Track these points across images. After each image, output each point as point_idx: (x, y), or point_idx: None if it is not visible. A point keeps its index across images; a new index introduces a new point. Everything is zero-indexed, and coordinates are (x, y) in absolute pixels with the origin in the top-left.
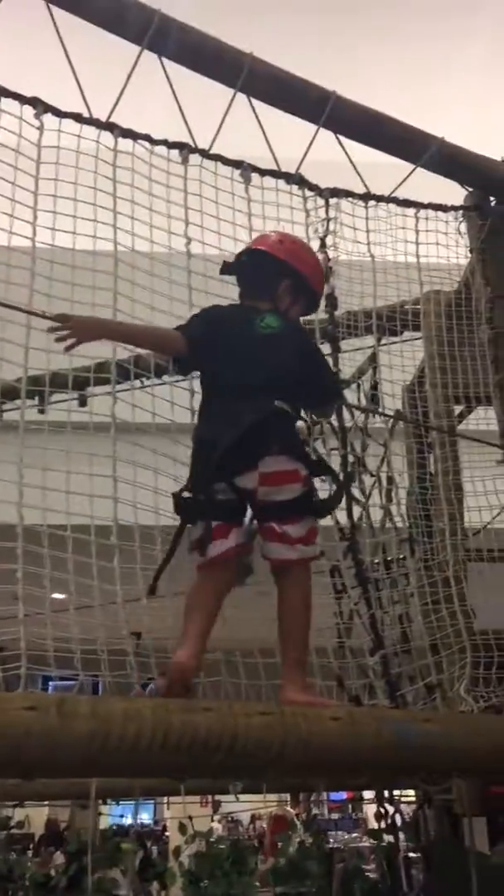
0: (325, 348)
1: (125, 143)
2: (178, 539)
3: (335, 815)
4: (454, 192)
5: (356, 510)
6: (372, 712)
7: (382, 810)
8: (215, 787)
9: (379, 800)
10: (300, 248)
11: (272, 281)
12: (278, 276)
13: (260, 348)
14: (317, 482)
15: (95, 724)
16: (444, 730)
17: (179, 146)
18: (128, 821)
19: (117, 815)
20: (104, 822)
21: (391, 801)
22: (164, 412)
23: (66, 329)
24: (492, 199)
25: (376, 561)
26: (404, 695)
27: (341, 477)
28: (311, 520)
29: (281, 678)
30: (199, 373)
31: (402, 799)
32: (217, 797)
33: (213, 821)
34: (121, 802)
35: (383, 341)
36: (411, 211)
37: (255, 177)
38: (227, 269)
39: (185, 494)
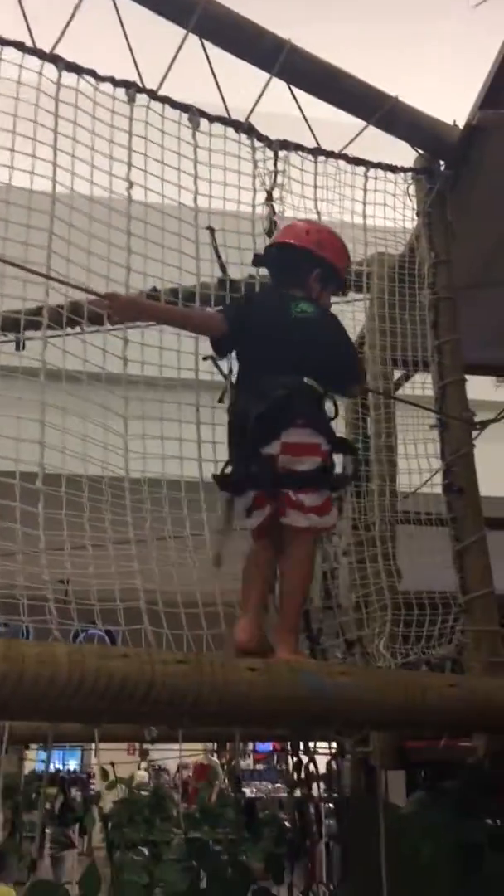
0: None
1: (69, 78)
2: (230, 510)
3: (260, 766)
4: (406, 160)
5: None
6: (288, 664)
7: (297, 761)
8: (140, 735)
9: (294, 751)
10: (326, 235)
11: (302, 271)
12: (308, 266)
13: (293, 329)
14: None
15: (7, 667)
16: (359, 683)
17: (126, 84)
18: (54, 767)
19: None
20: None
21: (306, 752)
22: (96, 361)
23: (110, 307)
24: (441, 163)
25: None
26: (324, 649)
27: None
28: (327, 492)
29: (275, 638)
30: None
31: (322, 751)
32: (144, 745)
33: (139, 769)
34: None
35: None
36: (361, 170)
37: (203, 123)
38: (258, 261)
39: (227, 470)
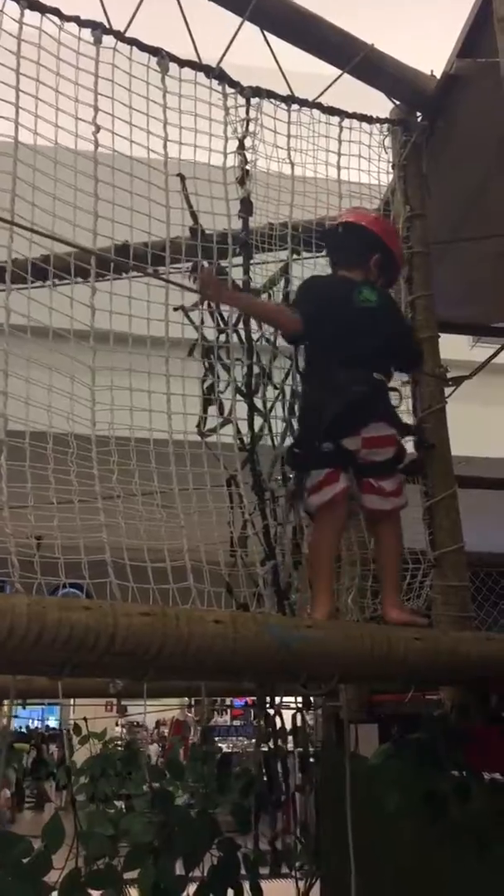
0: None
1: (32, 17)
2: (300, 485)
3: (238, 722)
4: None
5: (258, 421)
6: (254, 617)
7: (264, 715)
8: (106, 690)
9: (261, 704)
10: (391, 227)
11: (365, 253)
12: (371, 249)
13: (361, 322)
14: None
15: None
16: (325, 635)
17: (92, 25)
18: (28, 723)
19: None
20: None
21: (272, 706)
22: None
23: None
24: (418, 115)
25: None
26: (292, 603)
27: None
28: (401, 476)
29: (383, 600)
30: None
31: (292, 705)
32: (123, 702)
33: (116, 725)
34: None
35: (304, 255)
36: (335, 120)
37: (172, 69)
38: (323, 236)
39: (296, 450)
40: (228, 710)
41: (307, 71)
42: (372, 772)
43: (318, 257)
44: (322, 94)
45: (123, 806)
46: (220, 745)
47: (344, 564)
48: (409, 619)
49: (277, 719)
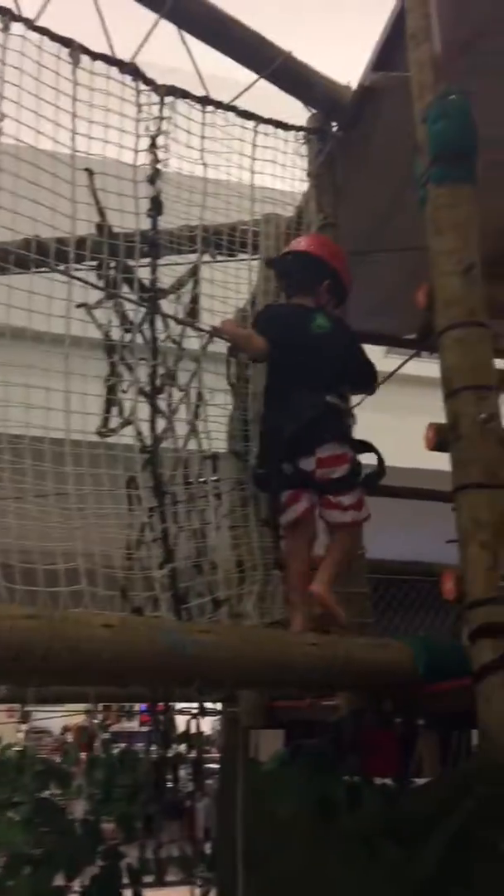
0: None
1: None
2: (277, 504)
3: (146, 728)
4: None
5: (160, 423)
6: (146, 621)
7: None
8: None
9: (153, 711)
10: (335, 248)
11: (315, 280)
12: (320, 275)
13: (315, 349)
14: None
15: None
16: (219, 641)
17: (0, 11)
18: None
19: None
20: None
21: (167, 712)
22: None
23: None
24: (334, 124)
25: (182, 479)
26: (189, 608)
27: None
28: (360, 490)
29: (316, 576)
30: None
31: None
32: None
33: (18, 732)
34: None
35: (219, 259)
36: (251, 125)
37: (84, 61)
38: (272, 264)
39: (259, 472)
40: (138, 716)
41: (227, 76)
42: (266, 778)
43: (228, 261)
44: (237, 97)
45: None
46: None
47: (246, 569)
48: (329, 601)
49: (174, 724)
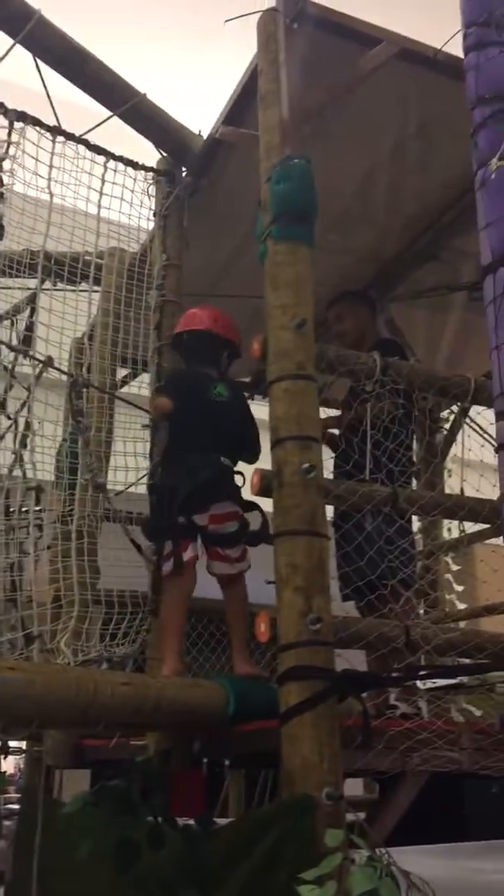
0: None
1: None
2: (160, 556)
3: None
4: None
5: None
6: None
7: None
8: None
9: None
10: (228, 320)
11: (216, 353)
12: (219, 348)
13: (213, 415)
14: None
15: None
16: (27, 678)
17: None
18: None
19: None
20: None
21: None
22: None
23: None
24: (184, 169)
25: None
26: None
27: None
28: (243, 545)
29: (233, 656)
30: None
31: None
32: None
33: None
34: None
35: (59, 287)
36: (101, 159)
37: None
38: (174, 344)
39: (153, 524)
40: None
41: (86, 104)
42: (67, 819)
43: (69, 290)
44: (90, 131)
45: None
46: None
47: (63, 605)
48: (257, 672)
49: None
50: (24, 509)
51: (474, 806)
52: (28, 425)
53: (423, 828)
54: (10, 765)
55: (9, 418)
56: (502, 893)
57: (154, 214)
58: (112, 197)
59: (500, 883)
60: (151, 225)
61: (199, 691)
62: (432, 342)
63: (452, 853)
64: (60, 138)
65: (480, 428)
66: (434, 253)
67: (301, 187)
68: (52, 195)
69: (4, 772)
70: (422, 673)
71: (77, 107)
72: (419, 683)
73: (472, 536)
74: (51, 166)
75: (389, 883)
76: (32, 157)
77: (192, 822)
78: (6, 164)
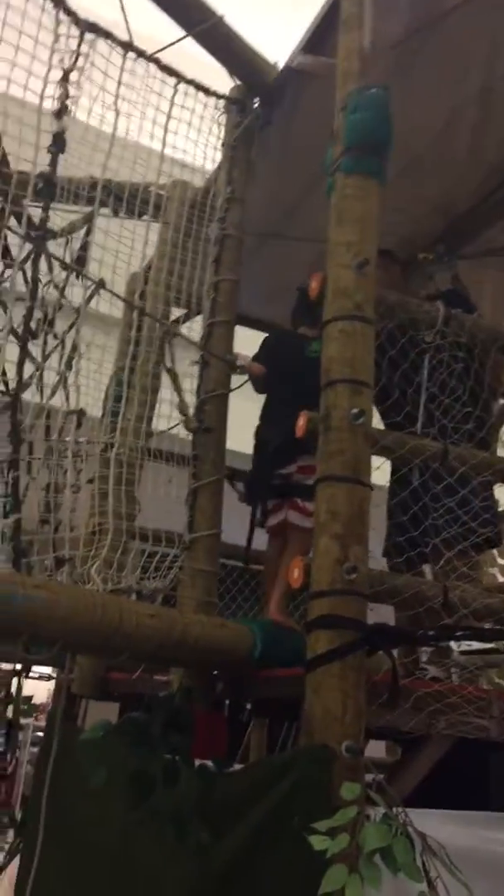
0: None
1: None
2: (254, 514)
3: None
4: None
5: (29, 368)
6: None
7: None
8: None
9: None
10: None
11: (315, 313)
12: (317, 306)
13: (306, 370)
14: None
15: None
16: (53, 599)
17: None
18: None
19: None
20: None
21: None
22: None
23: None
24: (255, 99)
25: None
26: (30, 562)
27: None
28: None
29: (270, 605)
30: None
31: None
32: None
33: None
34: None
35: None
36: (172, 81)
37: None
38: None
39: (251, 484)
40: None
41: (151, 35)
42: (83, 746)
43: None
44: (161, 50)
45: None
46: None
47: (98, 533)
48: (290, 623)
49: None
50: (65, 435)
51: (499, 776)
52: (75, 348)
53: (444, 794)
54: (44, 694)
55: (55, 338)
56: None
57: (222, 145)
58: (180, 121)
59: None
60: (218, 157)
61: (225, 631)
62: (499, 303)
63: (472, 821)
64: (132, 55)
65: None
66: None
67: (377, 118)
68: (118, 113)
69: (31, 697)
70: (458, 633)
71: (143, 37)
72: (453, 645)
73: None
74: (119, 82)
75: (404, 842)
76: (101, 72)
77: (207, 763)
78: (73, 76)
